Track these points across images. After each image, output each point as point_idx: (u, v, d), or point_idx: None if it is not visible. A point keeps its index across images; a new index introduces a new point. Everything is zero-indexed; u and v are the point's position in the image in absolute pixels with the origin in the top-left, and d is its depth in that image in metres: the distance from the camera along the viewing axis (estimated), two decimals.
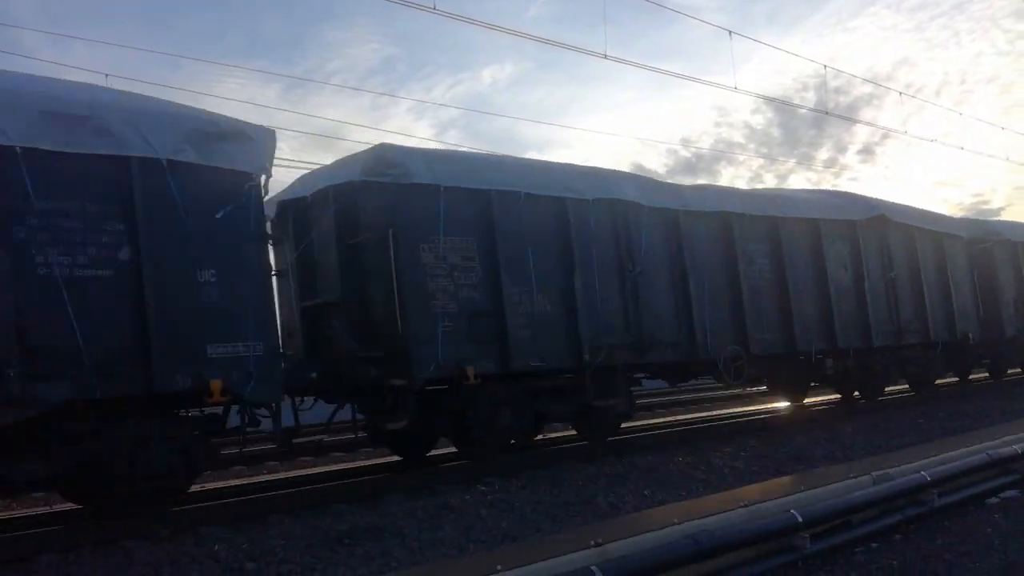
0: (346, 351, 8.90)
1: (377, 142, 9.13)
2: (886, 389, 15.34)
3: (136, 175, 6.76)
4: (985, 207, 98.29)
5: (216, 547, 6.26)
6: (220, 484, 10.09)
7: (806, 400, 14.98)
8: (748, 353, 11.49)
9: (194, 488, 9.70)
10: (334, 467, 11.20)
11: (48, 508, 8.71)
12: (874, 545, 5.67)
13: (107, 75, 23.84)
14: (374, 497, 8.13)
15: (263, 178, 7.59)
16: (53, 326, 6.26)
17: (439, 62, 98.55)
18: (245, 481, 10.32)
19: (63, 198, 6.44)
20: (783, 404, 15.01)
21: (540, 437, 10.95)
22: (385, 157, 8.76)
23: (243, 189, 7.39)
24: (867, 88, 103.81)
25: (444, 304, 8.70)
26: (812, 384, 14.66)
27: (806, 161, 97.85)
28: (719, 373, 11.31)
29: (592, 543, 4.65)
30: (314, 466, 12.23)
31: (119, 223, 6.66)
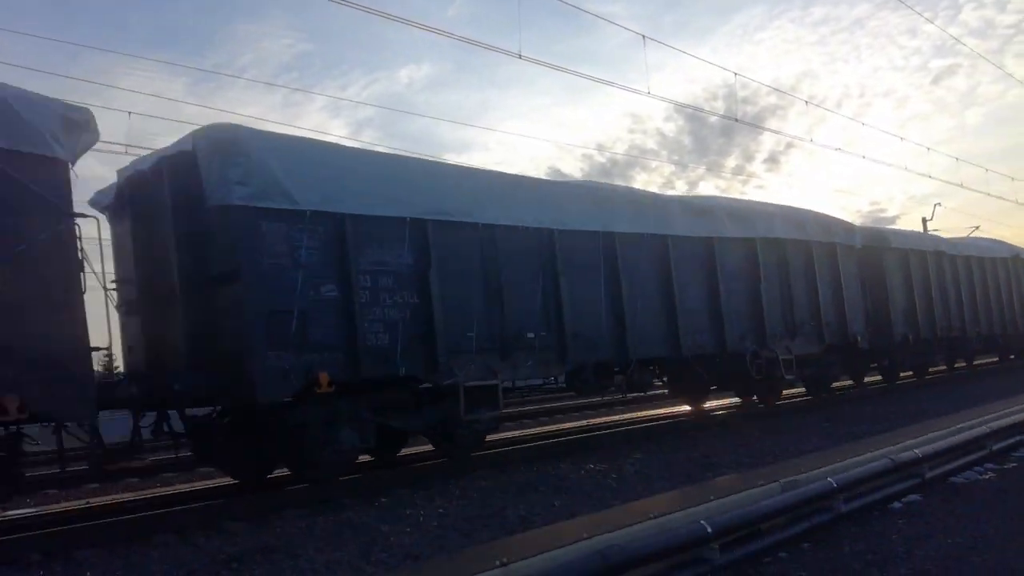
0: None
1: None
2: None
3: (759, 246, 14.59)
4: (882, 215, 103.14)
5: (88, 574, 5.73)
6: (107, 500, 9.43)
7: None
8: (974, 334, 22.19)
9: (80, 504, 9.09)
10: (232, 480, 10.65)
11: None
12: (783, 555, 5.59)
13: None
14: (273, 513, 7.68)
15: None
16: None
17: (355, 60, 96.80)
18: (134, 496, 9.68)
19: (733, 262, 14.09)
20: (686, 408, 15.96)
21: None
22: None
23: None
24: (773, 99, 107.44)
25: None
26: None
27: (715, 168, 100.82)
28: (973, 347, 22.68)
29: (497, 563, 4.40)
30: (214, 478, 11.64)
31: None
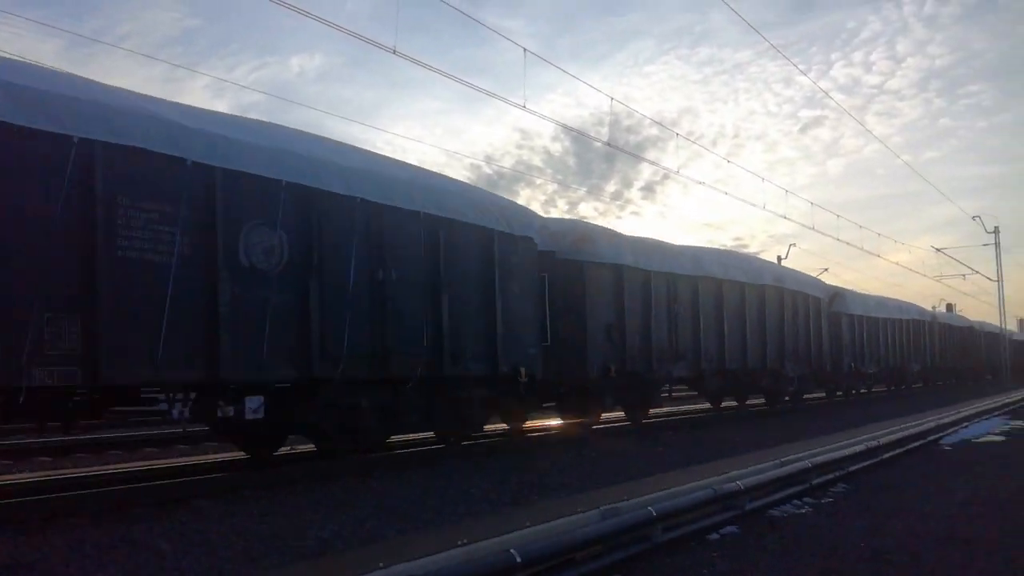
0: None
1: None
2: None
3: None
4: (744, 251, 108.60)
5: None
6: None
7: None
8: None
9: None
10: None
11: None
12: None
13: None
14: (52, 521, 6.81)
15: None
16: None
17: (245, 41, 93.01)
18: None
19: None
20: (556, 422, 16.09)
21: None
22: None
23: None
24: (655, 130, 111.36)
25: None
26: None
27: (596, 192, 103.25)
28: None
29: None
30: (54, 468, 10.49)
31: None
